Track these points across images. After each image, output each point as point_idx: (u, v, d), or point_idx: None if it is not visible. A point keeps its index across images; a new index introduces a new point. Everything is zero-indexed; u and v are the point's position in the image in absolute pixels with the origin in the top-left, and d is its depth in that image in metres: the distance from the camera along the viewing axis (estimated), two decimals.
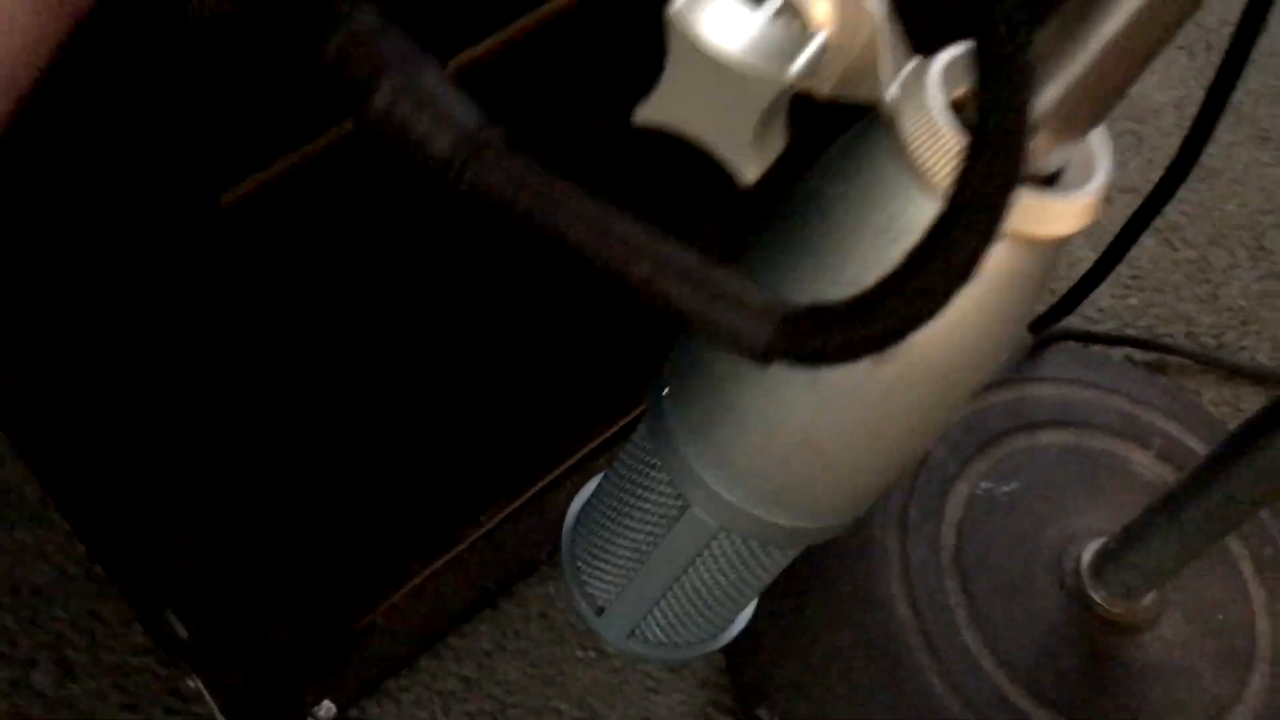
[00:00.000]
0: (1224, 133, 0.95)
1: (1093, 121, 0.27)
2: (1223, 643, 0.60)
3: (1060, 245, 0.29)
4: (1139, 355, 0.80)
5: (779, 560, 0.38)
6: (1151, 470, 0.65)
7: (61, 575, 0.62)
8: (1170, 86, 0.97)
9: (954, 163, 0.26)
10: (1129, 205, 0.88)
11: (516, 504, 0.57)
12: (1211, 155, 0.93)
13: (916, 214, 0.27)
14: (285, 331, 0.36)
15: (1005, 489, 0.62)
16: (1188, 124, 0.94)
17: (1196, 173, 0.92)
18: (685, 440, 0.34)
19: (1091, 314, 0.82)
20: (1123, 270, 0.85)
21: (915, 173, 0.27)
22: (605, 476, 0.41)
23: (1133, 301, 0.83)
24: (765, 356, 0.21)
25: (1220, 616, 0.61)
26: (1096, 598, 0.59)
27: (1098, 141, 0.28)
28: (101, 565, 0.62)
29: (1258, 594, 0.63)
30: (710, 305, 0.21)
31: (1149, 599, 0.60)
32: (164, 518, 0.45)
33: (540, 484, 0.55)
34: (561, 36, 0.34)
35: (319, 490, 0.45)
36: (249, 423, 0.37)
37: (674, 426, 0.35)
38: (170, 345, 0.32)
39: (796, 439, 0.32)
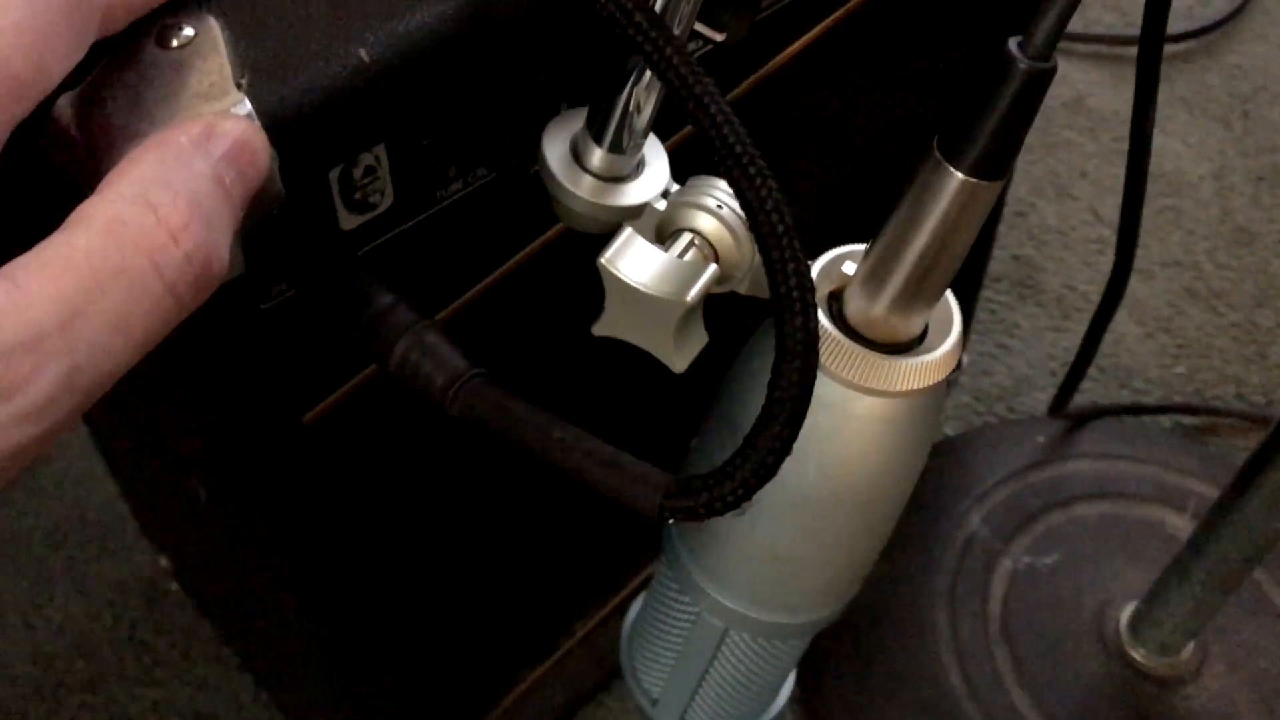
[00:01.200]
0: (1264, 195, 1.00)
1: (933, 298, 0.35)
2: (1265, 688, 0.64)
3: (938, 389, 0.37)
4: (1188, 420, 0.85)
5: (787, 650, 0.46)
6: (1186, 531, 0.70)
7: (235, 703, 0.73)
8: (1206, 159, 1.02)
9: (831, 344, 0.35)
10: (1170, 279, 0.94)
11: (602, 613, 0.66)
12: (1253, 219, 0.98)
13: (818, 390, 0.36)
14: (397, 504, 0.46)
15: (1046, 561, 0.68)
16: (1228, 194, 0.99)
17: (1238, 238, 0.97)
18: (689, 559, 0.43)
19: (1139, 385, 0.87)
20: (1167, 341, 0.90)
21: None
22: (647, 591, 0.50)
23: (1179, 370, 0.88)
24: (659, 517, 0.29)
25: (1262, 663, 0.65)
26: (1136, 656, 0.64)
27: (948, 306, 0.36)
28: (266, 693, 0.74)
29: None
30: (620, 485, 0.30)
31: (1188, 651, 0.65)
32: (307, 659, 0.56)
33: (617, 598, 0.64)
34: (541, 273, 0.44)
35: (441, 622, 0.55)
36: (372, 576, 0.47)
37: (680, 549, 0.43)
38: (296, 525, 0.43)
39: (765, 555, 0.40)
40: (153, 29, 0.31)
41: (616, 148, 0.37)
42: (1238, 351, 0.89)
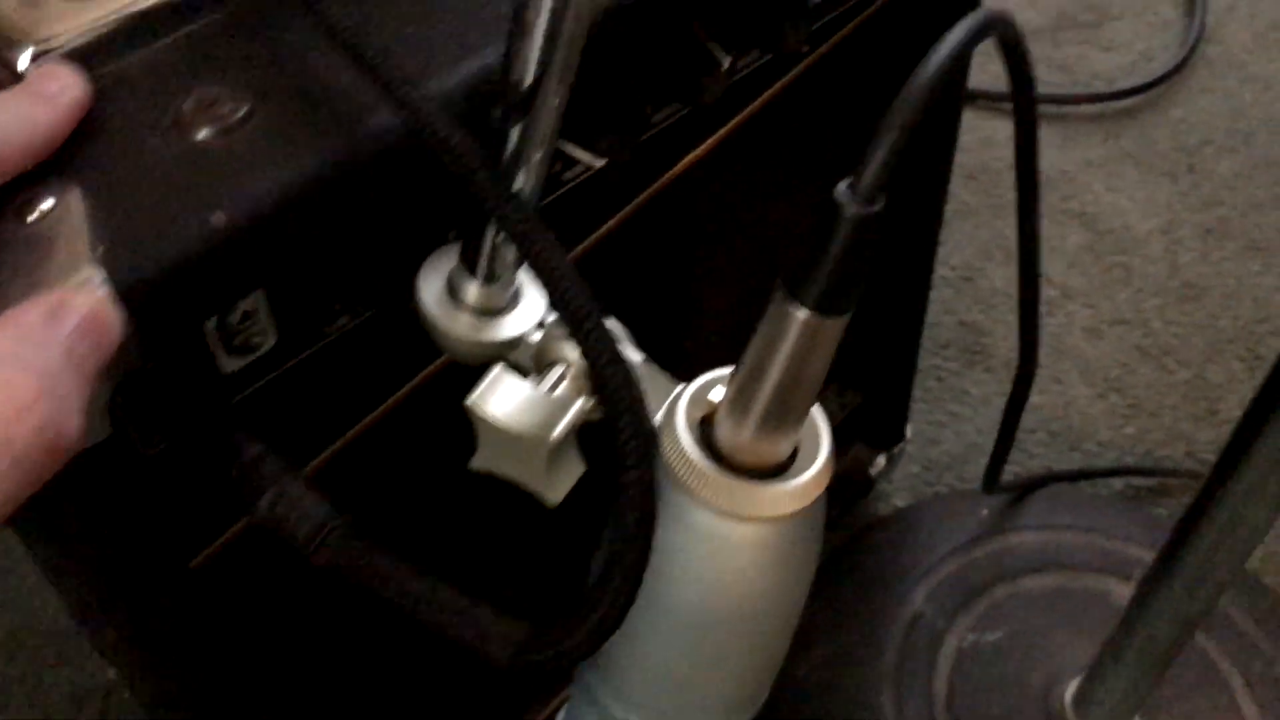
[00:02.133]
0: (1212, 250, 1.00)
1: (796, 424, 0.36)
2: None
3: (812, 509, 0.37)
4: (1140, 482, 0.85)
5: None
6: None
7: None
8: (1154, 214, 1.03)
9: (698, 474, 0.36)
10: (1119, 337, 0.95)
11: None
12: (1202, 274, 0.99)
13: (681, 515, 0.36)
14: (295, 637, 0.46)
15: (992, 638, 0.68)
16: (1176, 249, 1.00)
17: (1187, 293, 0.98)
18: (594, 679, 0.43)
19: (1090, 447, 0.88)
20: (1118, 400, 0.91)
21: (676, 483, 0.36)
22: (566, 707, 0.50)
23: (1130, 430, 0.89)
24: (509, 669, 0.30)
25: None
26: None
27: (816, 428, 0.37)
28: None
29: (1249, 710, 0.67)
30: (473, 637, 0.30)
31: None
32: None
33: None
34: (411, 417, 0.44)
35: None
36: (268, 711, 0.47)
37: (585, 668, 0.44)
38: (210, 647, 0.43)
39: (661, 675, 0.40)
40: (14, 200, 0.32)
41: (490, 279, 0.38)
42: (1188, 410, 0.90)
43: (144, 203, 0.32)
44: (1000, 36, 0.34)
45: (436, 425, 0.43)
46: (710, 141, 0.48)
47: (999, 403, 0.90)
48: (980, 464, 0.86)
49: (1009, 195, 1.04)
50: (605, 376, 0.29)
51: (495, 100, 0.34)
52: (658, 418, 0.38)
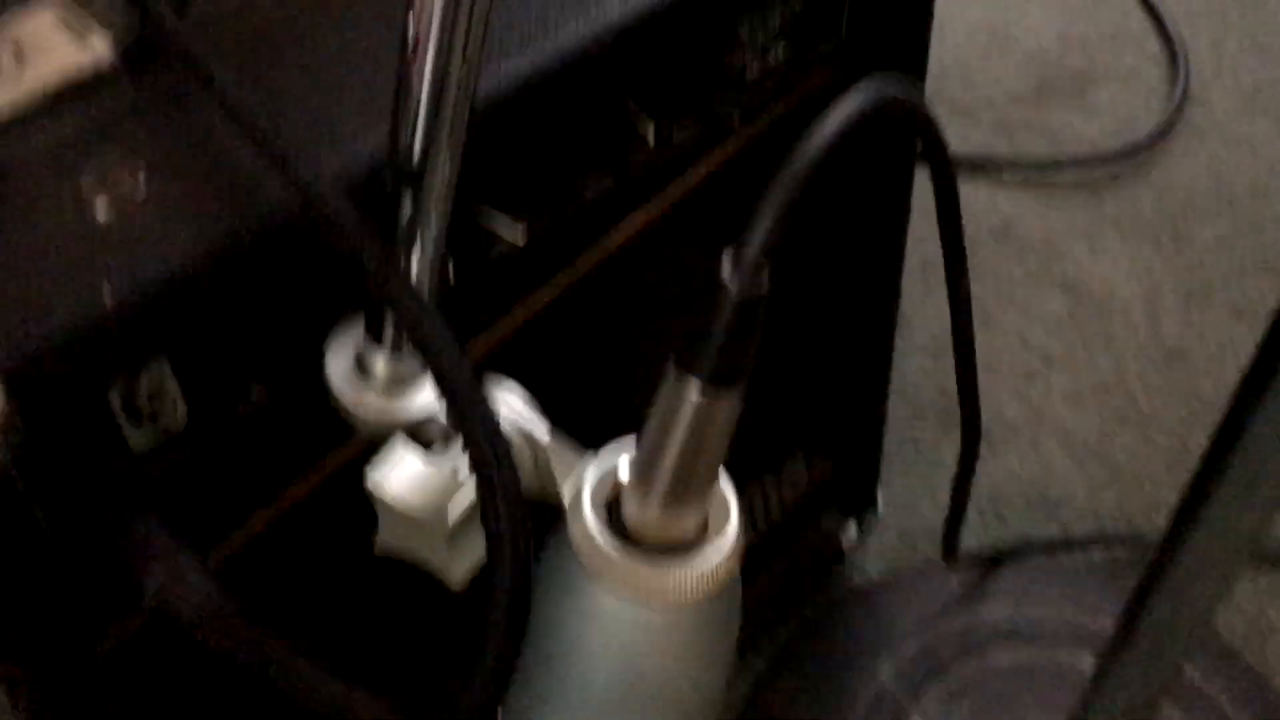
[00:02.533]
0: (1194, 314, 0.99)
1: (701, 500, 0.35)
2: None
3: (723, 589, 0.37)
4: (1120, 553, 0.84)
5: None
6: None
7: None
8: (1137, 279, 1.02)
9: (603, 559, 0.35)
10: (1102, 403, 0.94)
11: None
12: (1184, 339, 0.98)
13: (589, 597, 0.35)
14: None
15: (958, 713, 0.67)
16: (1159, 315, 0.99)
17: (1169, 358, 0.97)
18: None
19: (1068, 515, 0.86)
20: (1097, 469, 0.90)
21: (582, 566, 0.35)
22: None
23: (1108, 497, 0.88)
24: None
25: None
26: None
27: (725, 500, 0.36)
28: None
29: None
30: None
31: None
32: None
33: None
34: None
35: None
36: None
37: None
38: None
39: None
40: None
41: (397, 348, 0.37)
42: (1170, 478, 0.88)
43: (34, 279, 0.32)
44: (900, 114, 0.34)
45: (353, 504, 0.42)
46: (643, 214, 0.48)
47: (979, 470, 0.89)
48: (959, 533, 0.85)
49: (990, 260, 1.04)
50: (476, 455, 0.28)
51: (386, 176, 0.34)
52: (565, 491, 0.37)
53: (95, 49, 0.36)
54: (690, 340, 0.31)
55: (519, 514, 0.29)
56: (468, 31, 0.32)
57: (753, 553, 0.77)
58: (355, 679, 0.31)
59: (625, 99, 0.45)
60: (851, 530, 0.79)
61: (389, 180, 0.34)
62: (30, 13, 0.37)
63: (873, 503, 0.79)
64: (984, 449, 0.91)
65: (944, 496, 0.86)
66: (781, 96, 0.52)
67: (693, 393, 0.32)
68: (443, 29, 0.31)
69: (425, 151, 0.32)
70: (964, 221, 1.06)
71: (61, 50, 0.36)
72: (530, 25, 0.40)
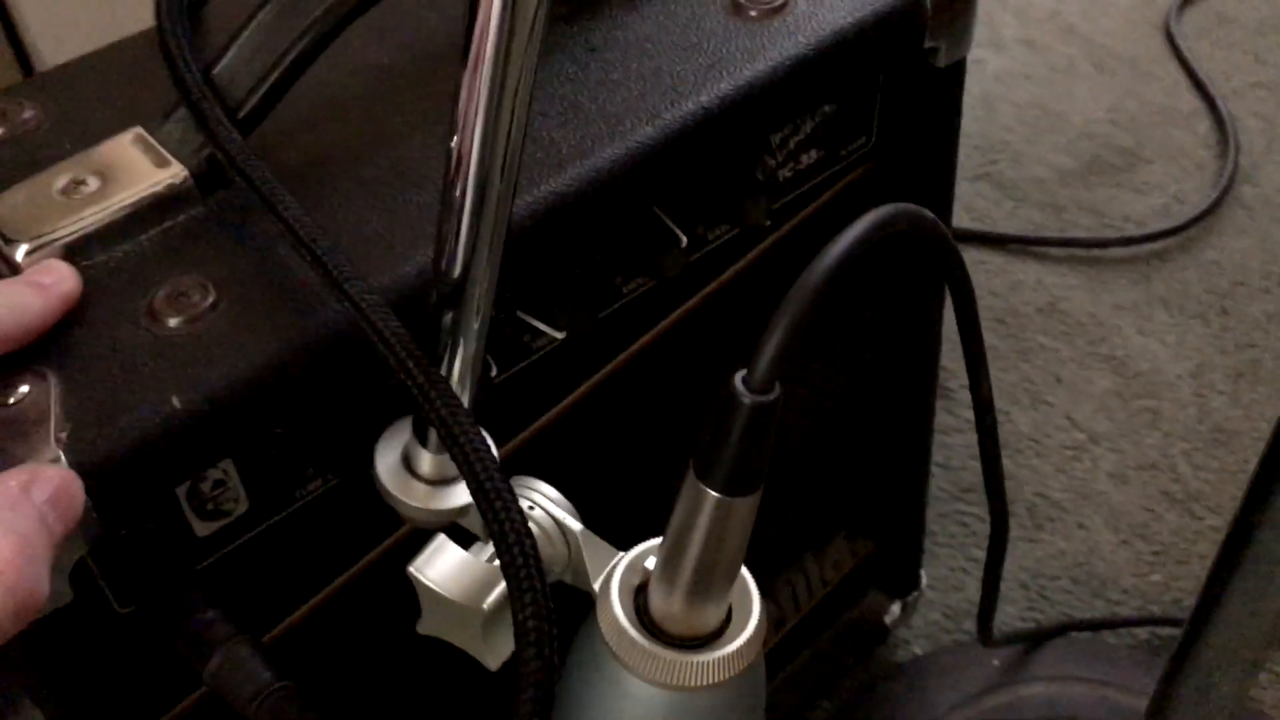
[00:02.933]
0: (1243, 393, 1.00)
1: (722, 595, 0.37)
2: None
3: (747, 676, 0.38)
4: (1165, 632, 0.84)
5: None
6: None
7: None
8: (1185, 356, 1.03)
9: (630, 644, 0.37)
10: (1146, 483, 0.94)
11: None
12: (1232, 418, 0.98)
13: (618, 683, 0.37)
14: None
15: None
16: (1205, 392, 0.99)
17: (1217, 437, 0.97)
18: None
19: (1114, 595, 0.86)
20: (1143, 548, 0.90)
21: (609, 650, 0.37)
22: None
23: (1156, 578, 0.88)
24: None
25: None
26: None
27: (748, 592, 0.38)
28: None
29: None
30: None
31: None
32: None
33: None
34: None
35: None
36: None
37: None
38: None
39: None
40: None
41: (440, 450, 0.40)
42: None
43: (110, 388, 0.35)
44: (911, 231, 0.36)
45: (400, 590, 0.45)
46: (676, 313, 0.51)
47: (1022, 549, 0.90)
48: (1003, 610, 0.85)
49: (1038, 338, 1.05)
50: (505, 553, 0.31)
51: (430, 290, 0.36)
52: (596, 586, 0.40)
53: (170, 172, 0.40)
54: (706, 446, 0.33)
55: (543, 609, 0.31)
56: (506, 150, 0.34)
57: (795, 631, 0.79)
58: None
59: (655, 210, 0.48)
60: (895, 609, 0.80)
61: (434, 292, 0.37)
62: (111, 142, 0.41)
63: (916, 582, 0.80)
64: (1029, 527, 0.92)
65: None
66: (813, 196, 0.54)
67: (710, 497, 0.34)
68: (483, 148, 0.34)
69: (467, 264, 0.35)
70: (1013, 299, 1.08)
71: (140, 173, 0.40)
72: (568, 150, 0.43)
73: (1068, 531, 0.91)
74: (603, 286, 0.48)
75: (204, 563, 0.41)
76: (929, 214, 0.38)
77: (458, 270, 0.36)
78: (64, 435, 0.34)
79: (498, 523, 0.31)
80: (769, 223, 0.51)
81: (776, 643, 0.73)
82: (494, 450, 0.35)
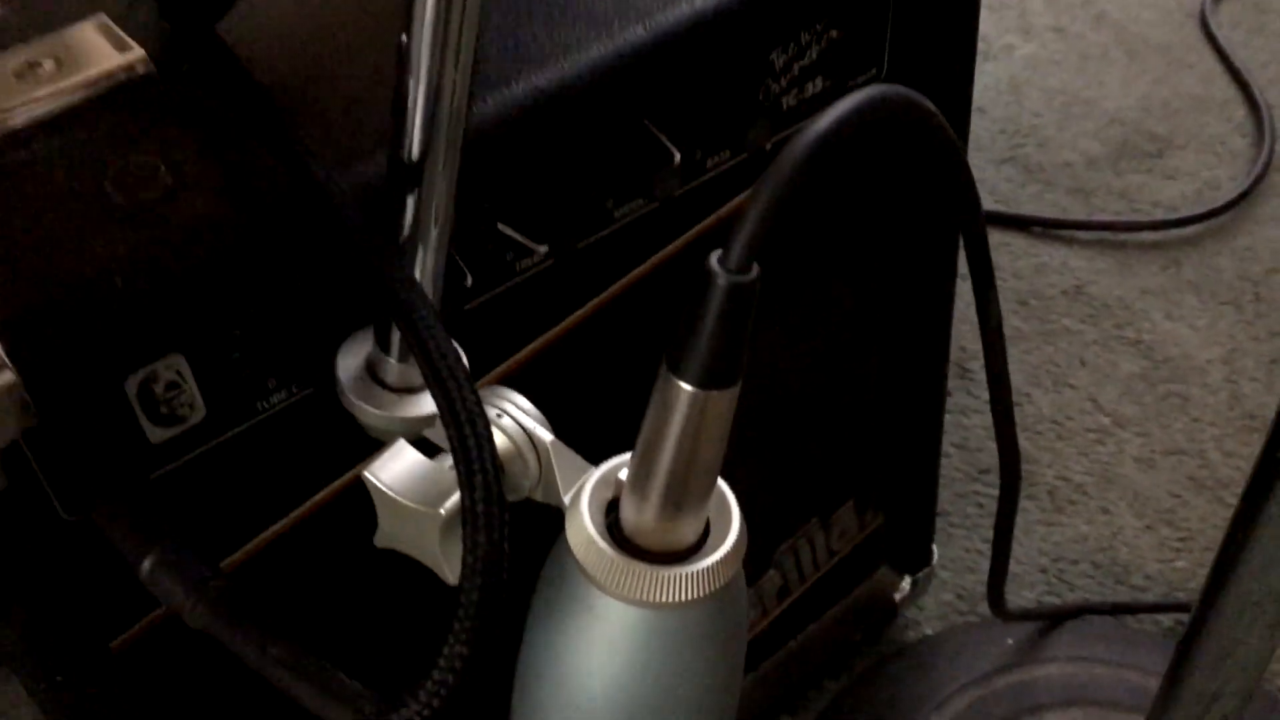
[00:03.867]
0: (1277, 380, 0.96)
1: (698, 504, 0.34)
2: None
3: (726, 595, 0.36)
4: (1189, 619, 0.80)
5: None
6: None
7: None
8: (1215, 342, 0.99)
9: (600, 558, 0.34)
10: (1173, 468, 0.90)
11: None
12: (1265, 405, 0.94)
13: (588, 601, 0.35)
14: None
15: None
16: (1237, 379, 0.96)
17: (1249, 424, 0.93)
18: None
19: (1138, 581, 0.83)
20: (1169, 533, 0.86)
21: (579, 566, 0.35)
22: None
23: (1181, 564, 0.84)
24: None
25: None
26: None
27: (726, 503, 0.36)
28: None
29: None
30: (318, 701, 0.29)
31: None
32: None
33: None
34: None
35: None
36: None
37: None
38: None
39: None
40: None
41: (404, 356, 0.38)
42: None
43: (49, 263, 0.33)
44: (905, 116, 0.33)
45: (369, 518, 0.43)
46: (673, 245, 0.48)
47: (1041, 532, 0.87)
48: (1019, 595, 0.82)
49: (1062, 321, 1.02)
50: (458, 440, 0.28)
51: (388, 179, 0.34)
52: (567, 499, 0.37)
53: (130, 55, 0.38)
54: (679, 336, 0.31)
55: (493, 491, 0.29)
56: (459, 43, 0.32)
57: (799, 603, 0.76)
58: (351, 671, 0.31)
59: (646, 123, 0.45)
60: (904, 585, 0.77)
61: (391, 180, 0.34)
62: (72, 28, 0.39)
63: (927, 557, 0.77)
64: (1049, 510, 0.88)
65: None
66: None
67: (684, 392, 0.31)
68: (435, 37, 0.32)
69: (425, 149, 0.33)
70: (1037, 282, 1.05)
71: (99, 56, 0.38)
72: (550, 47, 0.40)
73: (1090, 515, 0.87)
74: (593, 207, 0.45)
75: (157, 472, 0.39)
76: (928, 102, 0.35)
77: (415, 153, 0.33)
78: None
79: (447, 400, 0.29)
80: (769, 147, 0.49)
81: (779, 614, 0.70)
82: (455, 344, 0.32)
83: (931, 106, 0.35)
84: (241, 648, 0.31)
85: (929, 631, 0.79)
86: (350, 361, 0.38)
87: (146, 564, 0.33)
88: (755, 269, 0.30)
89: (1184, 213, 1.09)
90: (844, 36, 0.51)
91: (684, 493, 0.34)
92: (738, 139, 0.48)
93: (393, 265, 0.31)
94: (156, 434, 0.38)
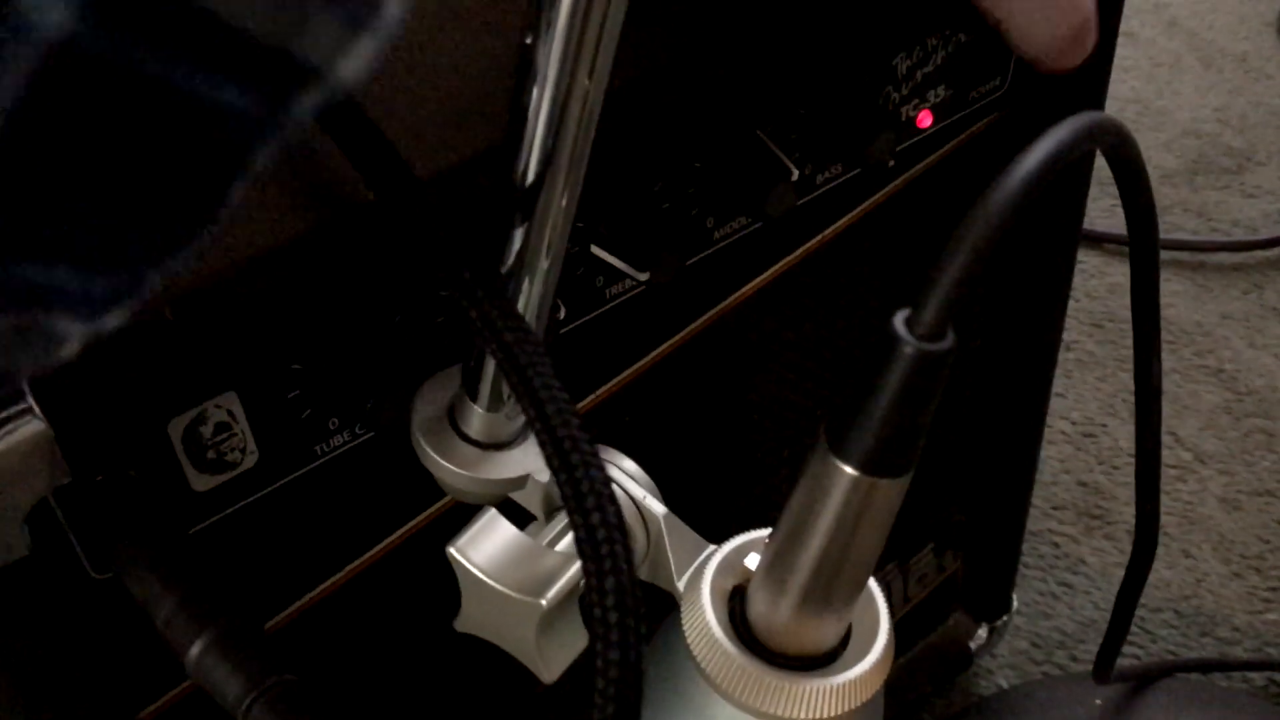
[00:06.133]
0: None
1: (845, 604, 0.29)
2: None
3: (866, 712, 0.30)
4: None
5: None
6: None
7: None
8: None
9: (723, 659, 0.29)
10: (1261, 510, 0.85)
11: None
12: None
13: (704, 709, 0.30)
14: None
15: None
16: None
17: None
18: None
19: (1224, 634, 0.77)
20: (1258, 582, 0.81)
21: (696, 667, 0.29)
22: None
23: (1271, 617, 0.78)
24: None
25: None
26: None
27: (875, 608, 0.30)
28: None
29: None
30: None
31: None
32: None
33: None
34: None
35: None
36: None
37: None
38: None
39: None
40: None
41: (495, 407, 0.32)
42: None
43: None
44: (1106, 147, 0.28)
45: (437, 577, 0.37)
46: (781, 263, 0.43)
47: (1120, 575, 0.81)
48: (1097, 642, 0.76)
49: None
50: (582, 521, 0.23)
51: (495, 200, 0.29)
52: (681, 584, 0.32)
53: None
54: (846, 409, 0.25)
55: (631, 598, 0.23)
56: (596, 47, 0.27)
57: None
58: None
59: (759, 134, 0.40)
60: (981, 633, 0.71)
61: (499, 209, 0.29)
62: None
63: (1007, 605, 0.72)
64: (1129, 552, 0.83)
65: (1083, 602, 0.78)
66: (936, 145, 0.46)
67: (845, 476, 0.26)
68: (567, 42, 0.27)
69: (543, 169, 0.27)
70: (1111, 303, 0.99)
71: None
72: (655, 43, 0.35)
73: (1172, 559, 0.82)
74: (693, 227, 0.40)
75: (200, 525, 0.33)
76: (1125, 133, 0.30)
77: (531, 177, 0.28)
78: None
79: (572, 482, 0.23)
80: (892, 162, 0.43)
81: None
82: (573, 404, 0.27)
83: (1134, 141, 0.29)
84: None
85: (1002, 682, 0.74)
86: (429, 408, 0.33)
87: (194, 650, 0.28)
88: (951, 337, 0.24)
89: (1266, 233, 1.03)
90: (971, 41, 0.46)
91: (831, 589, 0.28)
92: (855, 152, 0.42)
93: (498, 299, 0.26)
94: (202, 482, 0.33)
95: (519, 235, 0.28)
